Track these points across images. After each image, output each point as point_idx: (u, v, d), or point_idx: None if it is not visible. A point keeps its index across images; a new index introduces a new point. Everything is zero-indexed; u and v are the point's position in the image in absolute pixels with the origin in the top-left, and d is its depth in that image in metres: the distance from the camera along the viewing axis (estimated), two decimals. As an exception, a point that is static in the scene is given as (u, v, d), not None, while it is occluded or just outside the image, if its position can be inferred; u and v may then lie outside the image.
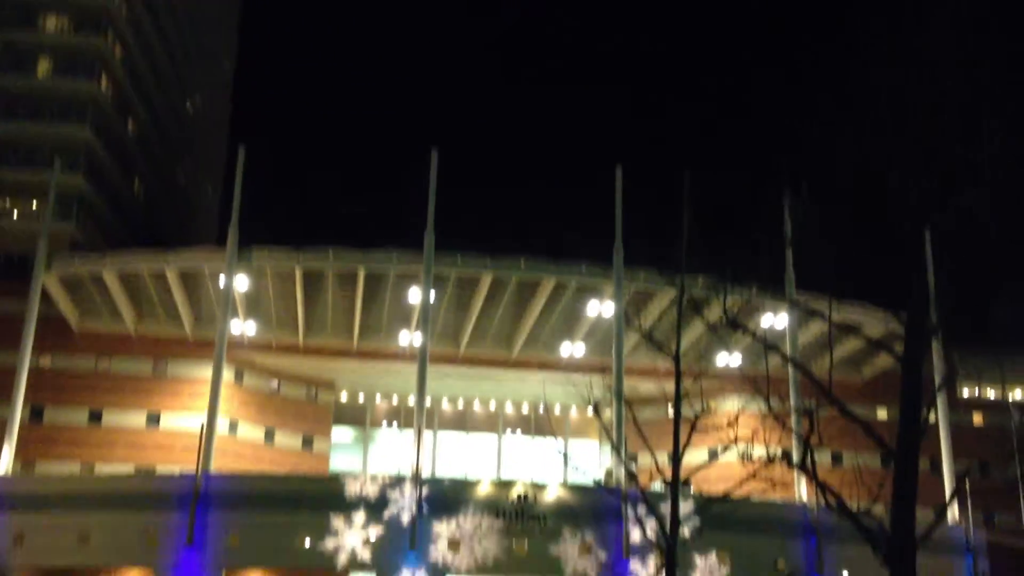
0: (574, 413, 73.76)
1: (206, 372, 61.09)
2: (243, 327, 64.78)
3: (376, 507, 54.01)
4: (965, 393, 75.07)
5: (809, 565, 55.40)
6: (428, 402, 60.91)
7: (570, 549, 53.96)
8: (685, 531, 30.74)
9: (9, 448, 56.96)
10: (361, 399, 73.78)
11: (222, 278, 59.20)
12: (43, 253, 60.74)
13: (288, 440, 69.90)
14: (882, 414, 62.64)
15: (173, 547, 53.26)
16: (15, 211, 70.17)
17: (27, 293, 60.23)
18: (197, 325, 66.51)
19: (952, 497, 19.06)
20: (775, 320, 62.07)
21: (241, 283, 60.41)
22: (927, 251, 19.82)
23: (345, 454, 72.75)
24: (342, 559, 53.28)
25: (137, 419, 65.94)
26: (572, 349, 68.18)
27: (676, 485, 28.38)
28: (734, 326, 21.16)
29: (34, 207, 69.31)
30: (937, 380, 18.61)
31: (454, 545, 53.93)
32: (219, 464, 58.28)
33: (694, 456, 45.22)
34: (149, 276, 62.18)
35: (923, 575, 17.78)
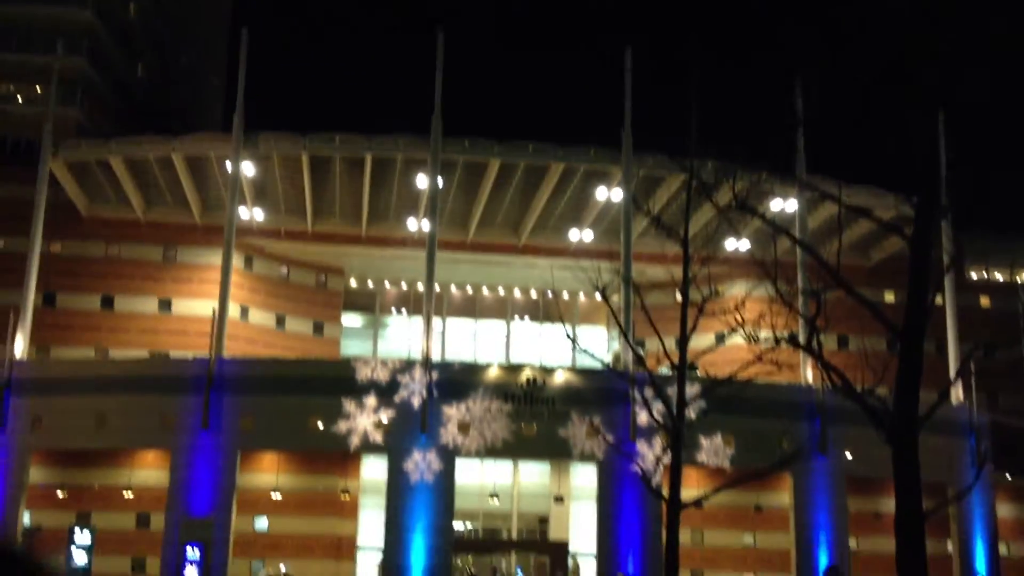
0: (582, 299, 74.10)
1: (215, 258, 61.40)
2: (251, 213, 64.84)
3: (387, 391, 54.84)
4: (973, 276, 75.18)
5: (813, 446, 56.33)
6: (437, 288, 61.23)
7: (578, 432, 54.89)
8: (691, 413, 31.17)
9: (23, 333, 57.67)
10: (370, 285, 74.22)
11: (229, 164, 59.01)
12: (49, 138, 60.52)
13: (299, 326, 70.61)
14: (889, 297, 62.89)
15: (189, 430, 54.35)
16: (19, 96, 69.61)
17: (35, 179, 60.22)
18: (205, 211, 66.59)
19: (956, 377, 19.21)
20: (785, 204, 61.88)
21: (248, 169, 60.26)
22: (939, 131, 19.60)
23: (355, 340, 73.51)
24: (354, 441, 54.34)
25: (149, 305, 66.56)
26: (580, 235, 68.16)
27: (683, 368, 28.67)
28: (744, 209, 21.05)
29: (38, 91, 68.72)
30: (945, 261, 18.64)
31: (464, 428, 54.89)
32: (231, 349, 59.02)
33: (701, 340, 45.62)
34: (156, 162, 61.98)
35: (926, 455, 18.02)
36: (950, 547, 61.80)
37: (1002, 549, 64.27)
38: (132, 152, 61.51)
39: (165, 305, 66.62)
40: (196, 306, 65.20)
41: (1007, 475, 64.28)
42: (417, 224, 66.06)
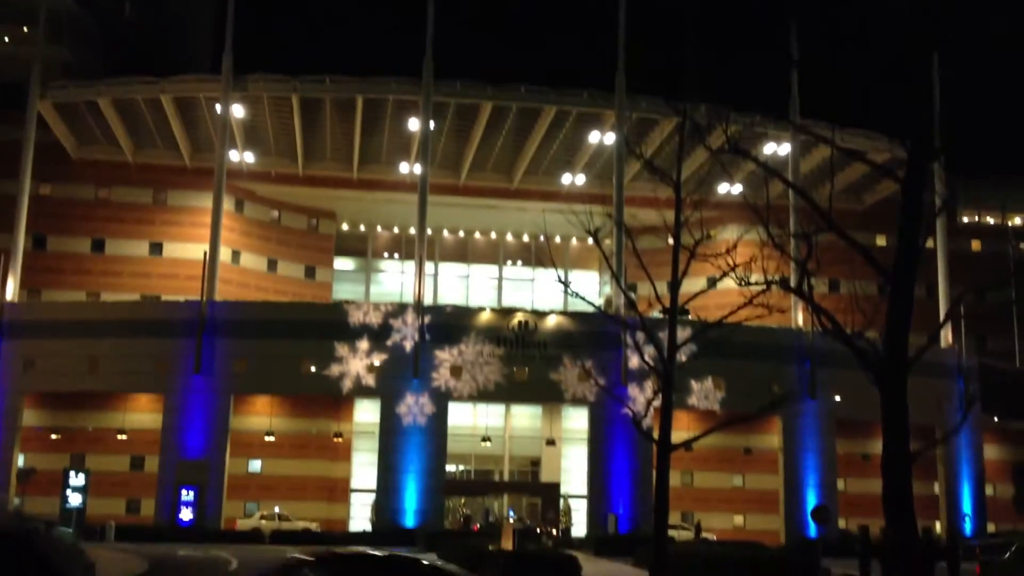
0: (574, 243, 73.95)
1: (206, 201, 61.07)
2: (242, 156, 64.42)
3: (379, 335, 54.99)
4: (965, 220, 75.22)
5: (803, 389, 56.72)
6: (429, 232, 61.10)
7: (570, 375, 55.13)
8: (682, 357, 31.22)
9: (14, 276, 57.52)
10: (362, 229, 73.92)
11: (218, 106, 58.49)
12: (37, 79, 59.85)
13: (290, 270, 70.44)
14: (881, 241, 62.95)
15: (181, 373, 54.51)
16: (6, 36, 68.66)
17: (23, 120, 59.65)
18: (195, 154, 66.08)
19: (945, 320, 19.27)
20: (778, 148, 61.75)
21: (237, 111, 59.74)
22: (934, 74, 19.46)
23: (347, 284, 73.37)
24: (347, 384, 54.60)
25: (140, 248, 66.26)
26: (573, 178, 67.90)
27: (674, 311, 28.66)
28: (736, 152, 20.89)
29: (25, 32, 67.71)
30: (937, 204, 18.57)
31: (456, 371, 55.13)
32: (223, 293, 58.99)
33: (693, 284, 45.62)
34: (144, 103, 61.31)
35: (915, 397, 18.12)
36: (937, 488, 62.58)
37: (988, 490, 65.10)
38: (120, 93, 60.81)
39: (156, 248, 66.33)
40: (187, 249, 64.86)
41: (994, 417, 64.87)
42: (409, 168, 65.74)
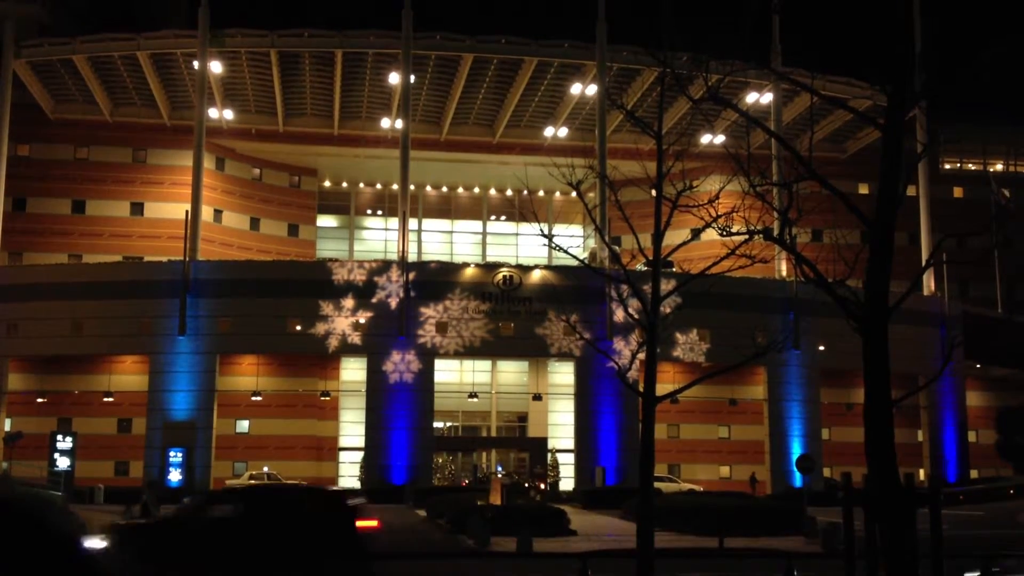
0: (557, 196, 73.73)
1: (186, 160, 60.49)
2: (221, 113, 63.76)
3: (364, 292, 54.83)
4: (947, 166, 75.20)
5: (787, 339, 56.86)
6: (411, 188, 60.70)
7: (555, 330, 55.13)
8: (667, 309, 31.20)
9: (-6, 239, 57.07)
10: (344, 186, 73.50)
11: (196, 62, 57.79)
12: (11, 37, 58.93)
13: (273, 228, 70.04)
14: (863, 189, 62.92)
15: (166, 334, 54.30)
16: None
17: (-2, 81, 58.92)
18: (174, 112, 65.38)
19: (926, 266, 19.18)
20: (760, 97, 61.48)
21: (215, 67, 59.06)
22: (914, 17, 19.27)
23: (331, 241, 73.09)
24: (333, 343, 54.49)
25: (120, 208, 65.77)
26: (555, 131, 67.53)
27: (657, 263, 28.54)
28: (718, 101, 20.69)
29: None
30: (918, 149, 18.39)
31: (442, 328, 55.06)
32: (206, 252, 58.63)
33: (676, 237, 45.56)
34: (121, 60, 60.49)
35: (898, 346, 18.13)
36: (920, 436, 63.12)
37: (971, 436, 65.69)
38: (96, 50, 59.90)
39: (137, 208, 65.83)
40: (169, 209, 64.35)
41: (977, 364, 65.30)
42: (390, 123, 65.23)
